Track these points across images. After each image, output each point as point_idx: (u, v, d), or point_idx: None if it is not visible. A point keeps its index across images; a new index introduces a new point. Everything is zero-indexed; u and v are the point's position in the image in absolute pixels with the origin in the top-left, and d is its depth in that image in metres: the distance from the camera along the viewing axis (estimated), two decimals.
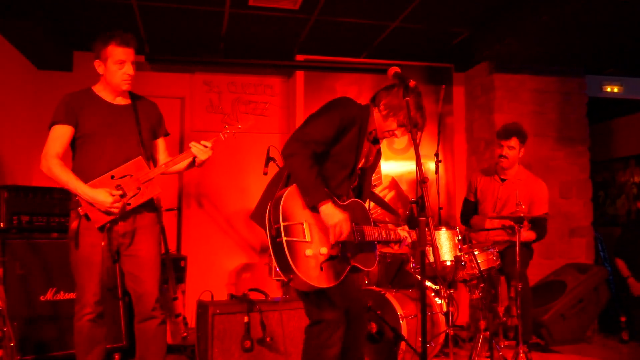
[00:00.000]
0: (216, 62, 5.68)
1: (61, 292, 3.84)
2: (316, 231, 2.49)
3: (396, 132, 2.72)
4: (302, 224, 2.45)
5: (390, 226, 2.87)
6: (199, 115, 5.74)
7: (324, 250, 2.48)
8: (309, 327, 2.66)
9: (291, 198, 2.48)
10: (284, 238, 2.37)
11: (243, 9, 4.61)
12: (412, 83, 2.59)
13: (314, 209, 2.49)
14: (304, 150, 2.49)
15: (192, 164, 3.05)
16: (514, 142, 4.22)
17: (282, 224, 2.38)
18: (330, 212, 2.46)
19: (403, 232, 2.83)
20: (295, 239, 2.40)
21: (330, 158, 2.64)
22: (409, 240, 2.83)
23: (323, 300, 2.57)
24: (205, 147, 2.96)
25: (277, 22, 4.91)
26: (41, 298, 3.78)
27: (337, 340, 2.59)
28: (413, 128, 2.57)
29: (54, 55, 5.13)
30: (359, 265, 2.65)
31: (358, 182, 2.87)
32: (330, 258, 2.50)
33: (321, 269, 2.45)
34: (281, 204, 2.42)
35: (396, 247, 2.88)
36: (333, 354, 2.60)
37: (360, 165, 2.81)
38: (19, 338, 3.42)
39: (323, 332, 2.58)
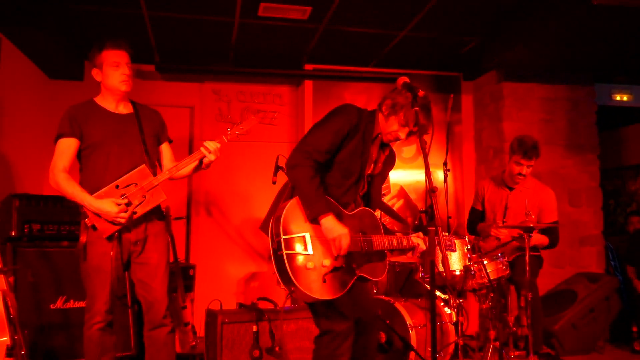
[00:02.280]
0: (225, 72, 5.71)
1: (71, 301, 3.85)
2: (319, 243, 2.48)
3: (399, 133, 2.68)
4: (303, 236, 2.45)
5: (399, 234, 2.84)
6: (209, 124, 5.77)
7: (327, 262, 2.46)
8: (318, 337, 2.65)
9: (293, 210, 2.48)
10: (284, 251, 2.37)
11: (252, 19, 4.65)
12: (421, 93, 2.60)
13: (316, 221, 2.47)
14: (306, 162, 2.49)
15: (199, 167, 3.05)
16: (534, 161, 4.19)
17: (282, 237, 2.39)
18: (330, 226, 2.44)
19: (417, 239, 2.79)
20: (295, 252, 2.40)
21: (335, 166, 2.62)
22: (423, 247, 2.78)
23: (331, 311, 2.56)
24: (217, 147, 2.96)
25: (286, 32, 4.94)
26: (51, 306, 3.80)
27: (345, 351, 2.58)
28: (415, 127, 2.59)
29: (65, 64, 5.18)
30: (366, 275, 2.63)
31: (367, 189, 2.84)
32: (335, 269, 2.48)
33: (324, 280, 2.44)
34: (282, 217, 2.43)
35: (410, 253, 2.84)
36: None
37: (369, 172, 2.79)
38: (29, 346, 3.43)
39: (332, 342, 2.57)
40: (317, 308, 2.60)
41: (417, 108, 2.53)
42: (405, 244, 2.76)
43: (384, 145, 2.84)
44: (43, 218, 3.89)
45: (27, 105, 4.92)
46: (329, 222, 2.45)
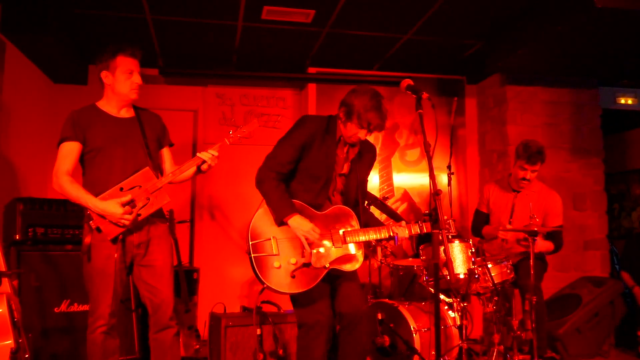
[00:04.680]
0: (229, 75, 5.73)
1: (75, 304, 3.86)
2: (285, 244, 2.80)
3: (359, 135, 2.87)
4: (269, 239, 2.79)
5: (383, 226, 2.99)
6: (212, 127, 5.77)
7: (293, 260, 2.77)
8: (298, 329, 2.92)
9: (260, 218, 2.85)
10: (252, 254, 2.75)
11: (256, 23, 4.66)
12: (425, 95, 2.61)
13: (284, 223, 2.78)
14: (269, 174, 2.85)
15: (198, 171, 3.06)
16: (539, 166, 4.17)
17: (250, 242, 2.78)
18: (296, 224, 2.77)
19: (398, 228, 2.93)
20: (263, 254, 2.76)
21: (302, 172, 2.92)
22: (404, 234, 2.92)
23: (307, 306, 2.83)
24: (213, 155, 2.98)
25: (289, 35, 4.95)
26: (55, 310, 3.80)
27: (320, 343, 2.81)
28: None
29: (69, 69, 5.20)
30: (337, 268, 2.85)
31: (344, 187, 3.04)
32: (304, 266, 2.77)
33: (293, 276, 2.75)
34: (251, 224, 2.82)
35: (391, 242, 3.10)
36: (318, 355, 2.81)
37: (341, 172, 2.99)
38: (33, 350, 3.44)
39: (307, 334, 2.83)
40: (296, 302, 2.88)
41: (420, 111, 2.57)
42: (384, 235, 2.92)
43: (351, 145, 3.00)
44: (47, 222, 3.90)
45: (32, 109, 4.93)
46: (295, 221, 2.77)
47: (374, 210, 4.09)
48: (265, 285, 2.74)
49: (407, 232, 2.92)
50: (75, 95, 5.21)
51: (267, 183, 2.84)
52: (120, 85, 2.93)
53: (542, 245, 4.11)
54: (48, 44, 4.49)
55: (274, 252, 2.77)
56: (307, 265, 2.78)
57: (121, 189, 2.81)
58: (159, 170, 3.07)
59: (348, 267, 2.88)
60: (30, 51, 4.64)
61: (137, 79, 2.96)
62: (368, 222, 3.03)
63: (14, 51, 4.45)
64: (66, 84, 5.42)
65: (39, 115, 5.09)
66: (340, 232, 2.88)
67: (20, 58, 4.63)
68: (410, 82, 2.71)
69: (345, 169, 3.02)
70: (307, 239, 2.77)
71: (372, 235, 2.91)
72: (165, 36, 4.93)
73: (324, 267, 2.81)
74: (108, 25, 4.66)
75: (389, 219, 5.02)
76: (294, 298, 2.88)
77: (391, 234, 2.91)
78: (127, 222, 2.77)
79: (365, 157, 3.09)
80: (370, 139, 3.05)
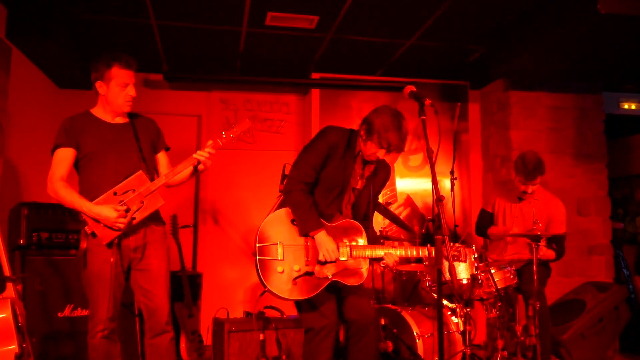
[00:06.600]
0: (233, 80, 5.74)
1: (79, 309, 3.87)
2: (291, 251, 2.85)
3: (377, 154, 2.91)
4: (276, 244, 2.83)
5: (395, 244, 3.01)
6: (216, 133, 5.77)
7: (297, 267, 2.82)
8: (305, 334, 2.98)
9: (270, 223, 2.89)
10: (257, 257, 2.79)
11: (260, 28, 4.68)
12: (427, 101, 2.62)
13: (291, 231, 2.87)
14: (297, 186, 2.89)
15: (195, 172, 3.06)
16: (538, 179, 4.16)
17: (257, 245, 2.82)
18: (322, 241, 2.83)
19: (389, 255, 2.93)
20: (268, 258, 2.81)
21: (320, 180, 2.95)
22: (388, 262, 2.94)
23: (312, 311, 2.89)
24: (210, 153, 2.98)
25: (293, 41, 4.96)
26: (59, 314, 3.82)
27: (327, 347, 2.87)
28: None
29: (74, 74, 5.22)
30: (340, 280, 2.89)
31: (355, 201, 3.08)
32: (307, 274, 2.83)
33: (294, 283, 2.80)
34: (260, 227, 2.86)
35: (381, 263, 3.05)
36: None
37: (354, 186, 3.04)
38: (37, 354, 3.44)
39: (313, 339, 2.89)
40: (301, 307, 2.94)
41: (423, 117, 2.58)
42: (378, 255, 2.95)
43: (368, 162, 3.04)
44: (51, 226, 3.92)
45: (37, 114, 4.96)
46: (321, 237, 2.83)
47: (377, 215, 4.09)
48: (266, 289, 2.78)
49: (390, 259, 2.94)
50: (80, 101, 5.18)
51: (295, 196, 2.88)
52: (114, 98, 2.95)
53: (544, 254, 4.09)
54: (53, 49, 4.51)
55: (279, 257, 2.81)
56: (310, 274, 2.83)
57: (115, 194, 2.83)
58: (154, 174, 3.07)
59: (351, 281, 2.92)
60: (36, 56, 4.66)
61: (131, 91, 2.97)
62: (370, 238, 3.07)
63: (20, 56, 4.47)
64: (71, 89, 5.44)
65: (44, 120, 5.11)
66: (348, 245, 2.92)
67: (26, 63, 4.65)
68: (413, 88, 2.72)
69: (360, 184, 3.07)
70: (327, 256, 2.82)
71: (379, 252, 2.94)
72: (170, 41, 4.95)
73: (327, 278, 2.85)
74: (113, 31, 4.68)
75: (400, 229, 5.03)
76: (300, 304, 2.92)
77: (382, 256, 2.94)
78: (122, 226, 2.78)
79: (380, 174, 3.14)
80: None
